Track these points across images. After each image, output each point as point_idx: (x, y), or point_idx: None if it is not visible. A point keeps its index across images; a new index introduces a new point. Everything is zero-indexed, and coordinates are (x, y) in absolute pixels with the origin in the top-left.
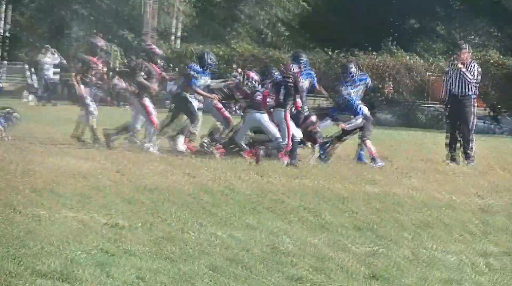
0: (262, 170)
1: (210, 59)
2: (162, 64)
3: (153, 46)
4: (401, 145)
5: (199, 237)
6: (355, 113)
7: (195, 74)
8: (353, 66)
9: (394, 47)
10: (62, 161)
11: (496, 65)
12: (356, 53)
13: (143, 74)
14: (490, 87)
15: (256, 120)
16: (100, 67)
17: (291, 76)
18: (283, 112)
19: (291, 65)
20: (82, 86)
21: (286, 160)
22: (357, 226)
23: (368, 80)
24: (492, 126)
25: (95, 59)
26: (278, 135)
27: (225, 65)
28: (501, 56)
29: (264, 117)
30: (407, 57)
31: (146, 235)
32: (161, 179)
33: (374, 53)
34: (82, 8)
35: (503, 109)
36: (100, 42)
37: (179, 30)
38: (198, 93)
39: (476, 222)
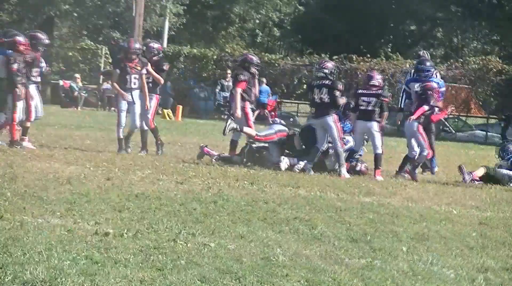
0: (254, 178)
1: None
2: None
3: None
4: (397, 155)
5: (189, 247)
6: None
7: None
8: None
9: (390, 51)
10: (47, 166)
11: (496, 71)
12: (354, 59)
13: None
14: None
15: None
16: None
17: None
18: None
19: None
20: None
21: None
22: (351, 237)
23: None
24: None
25: (132, 64)
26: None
27: (214, 67)
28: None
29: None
30: (407, 64)
31: (134, 243)
32: (150, 186)
33: (372, 59)
34: (72, 7)
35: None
36: (137, 45)
37: (166, 29)
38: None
39: (474, 235)
